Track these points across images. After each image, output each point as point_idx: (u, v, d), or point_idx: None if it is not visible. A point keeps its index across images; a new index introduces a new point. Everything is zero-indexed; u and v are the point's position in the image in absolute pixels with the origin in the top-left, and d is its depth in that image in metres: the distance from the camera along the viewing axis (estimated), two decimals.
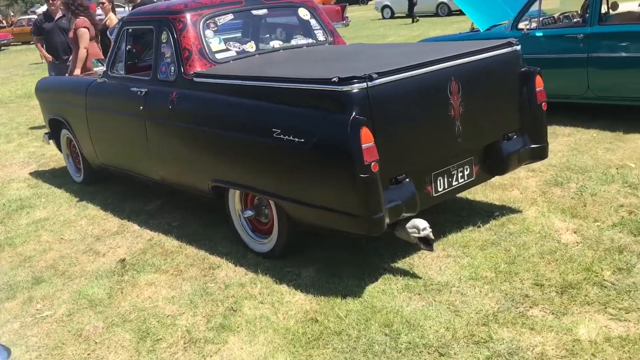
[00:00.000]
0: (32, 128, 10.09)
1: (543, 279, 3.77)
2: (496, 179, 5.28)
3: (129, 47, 5.61)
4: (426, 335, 3.33)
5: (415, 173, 3.92)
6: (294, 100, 3.84)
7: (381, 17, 30.11)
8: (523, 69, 4.52)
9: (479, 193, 5.26)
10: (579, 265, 3.89)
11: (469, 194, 5.19)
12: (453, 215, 4.84)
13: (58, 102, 6.54)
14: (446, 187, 4.18)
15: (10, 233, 5.52)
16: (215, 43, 4.91)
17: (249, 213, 4.46)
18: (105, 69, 5.71)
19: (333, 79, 3.57)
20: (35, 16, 26.47)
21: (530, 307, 3.52)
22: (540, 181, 5.44)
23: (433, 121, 3.97)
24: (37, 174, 7.38)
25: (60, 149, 6.98)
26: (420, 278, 3.93)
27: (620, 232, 4.31)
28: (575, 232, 4.38)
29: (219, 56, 4.85)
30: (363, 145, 3.48)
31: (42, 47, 9.60)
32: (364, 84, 3.56)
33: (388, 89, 3.68)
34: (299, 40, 5.48)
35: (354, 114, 3.52)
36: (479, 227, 4.60)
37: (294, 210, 4.05)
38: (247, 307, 3.81)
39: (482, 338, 3.26)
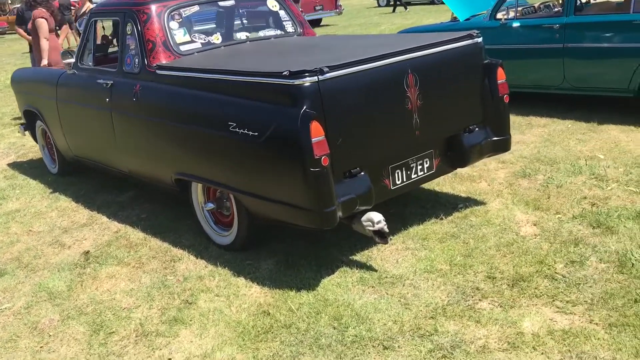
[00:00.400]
0: (15, 119, 10.09)
1: (496, 272, 3.79)
2: (465, 171, 5.30)
3: (98, 38, 5.60)
4: (373, 329, 3.35)
5: (371, 166, 3.93)
6: (248, 93, 3.84)
7: (377, 5, 29.94)
8: (485, 62, 4.51)
9: (447, 185, 5.27)
10: (533, 257, 3.91)
11: (435, 186, 5.21)
12: (417, 207, 4.86)
13: (31, 93, 6.54)
14: (405, 180, 4.18)
15: None
16: (180, 35, 4.90)
17: (210, 206, 4.47)
18: (74, 60, 5.70)
19: (284, 73, 3.57)
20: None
21: (479, 300, 3.54)
22: (509, 173, 5.45)
23: (389, 114, 3.96)
24: (14, 165, 7.40)
25: (36, 140, 6.99)
26: (375, 271, 3.95)
27: (580, 224, 4.32)
28: (535, 225, 4.39)
29: (183, 48, 4.84)
30: (313, 139, 3.49)
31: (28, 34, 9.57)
32: (315, 78, 3.55)
33: (340, 83, 3.68)
34: (267, 32, 5.47)
35: (304, 107, 3.52)
36: (441, 219, 4.61)
37: (251, 204, 4.06)
38: (203, 300, 3.83)
39: (427, 331, 3.28)
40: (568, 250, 3.96)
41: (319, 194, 3.59)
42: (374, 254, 4.18)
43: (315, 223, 3.68)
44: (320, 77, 3.56)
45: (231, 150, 3.96)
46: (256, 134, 3.71)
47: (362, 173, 3.86)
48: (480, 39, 4.48)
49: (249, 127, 3.76)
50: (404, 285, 3.76)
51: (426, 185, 5.06)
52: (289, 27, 5.53)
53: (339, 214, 3.70)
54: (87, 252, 4.71)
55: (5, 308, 4.02)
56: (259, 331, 3.45)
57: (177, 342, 3.45)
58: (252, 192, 3.97)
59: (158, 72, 4.62)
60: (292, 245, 4.40)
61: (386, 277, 3.87)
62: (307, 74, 3.54)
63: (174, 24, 4.87)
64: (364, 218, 3.88)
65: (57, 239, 5.03)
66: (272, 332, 3.43)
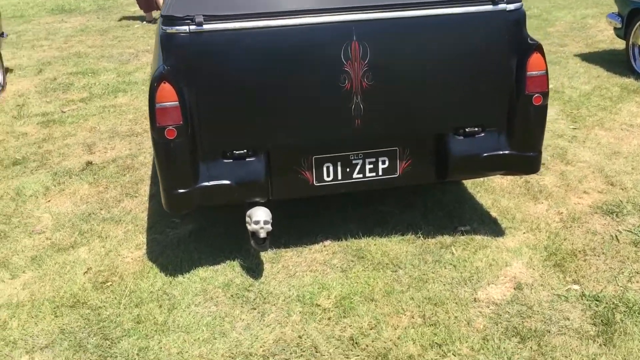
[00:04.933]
0: None
1: (374, 334, 2.74)
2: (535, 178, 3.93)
3: None
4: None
5: (275, 152, 3.09)
6: None
7: None
8: (513, 39, 3.07)
9: (474, 187, 3.99)
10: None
11: (452, 187, 3.97)
12: (398, 209, 3.78)
13: None
14: (340, 178, 3.21)
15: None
16: None
17: None
18: None
19: (165, 16, 2.89)
20: None
21: None
22: (591, 201, 3.84)
23: (312, 91, 2.99)
24: None
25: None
26: (251, 277, 3.21)
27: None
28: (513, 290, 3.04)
29: None
30: (157, 105, 2.82)
31: None
32: (185, 28, 2.81)
33: (228, 39, 2.86)
34: None
35: (164, 64, 2.84)
36: (417, 236, 3.51)
37: None
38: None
39: None
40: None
41: (162, 170, 2.96)
42: (278, 257, 3.37)
43: (164, 204, 3.07)
44: (192, 29, 2.81)
45: None
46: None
47: (254, 158, 3.05)
48: (513, 5, 3.03)
49: None
50: (264, 306, 2.98)
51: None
52: None
53: (197, 200, 3.02)
54: (90, 162, 4.77)
55: None
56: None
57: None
58: None
59: None
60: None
61: (251, 289, 3.11)
62: (177, 22, 2.82)
63: None
64: (248, 212, 3.12)
65: (93, 144, 5.19)
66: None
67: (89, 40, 9.20)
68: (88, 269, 3.37)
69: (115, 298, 3.11)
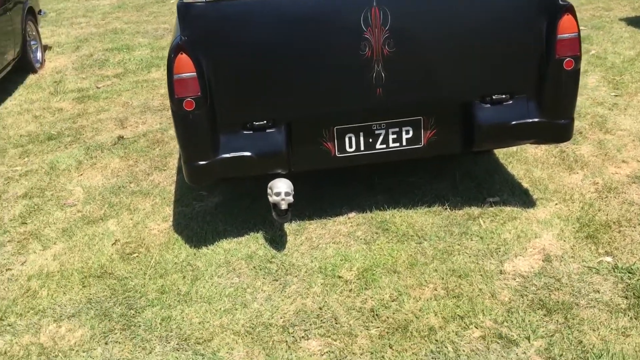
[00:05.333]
0: None
1: (384, 305, 2.71)
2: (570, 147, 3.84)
3: None
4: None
5: (297, 123, 3.05)
6: None
7: None
8: (545, 0, 2.93)
9: (506, 157, 3.90)
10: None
11: (490, 160, 3.86)
12: (425, 182, 3.70)
13: None
14: (363, 148, 3.15)
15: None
16: None
17: None
18: None
19: None
20: None
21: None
22: (629, 170, 3.69)
23: (332, 60, 2.93)
24: None
25: None
26: (274, 249, 3.20)
27: None
28: (543, 261, 2.95)
29: None
30: (175, 76, 2.81)
31: None
32: None
33: (244, 7, 2.82)
34: None
35: (181, 35, 2.82)
36: (444, 208, 3.44)
37: None
38: None
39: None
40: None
41: (182, 142, 2.96)
42: (302, 229, 3.36)
43: (185, 176, 3.07)
44: None
45: None
46: None
47: (274, 129, 3.01)
48: None
49: None
50: (285, 277, 2.98)
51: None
52: None
53: (217, 172, 3.01)
54: (121, 137, 4.84)
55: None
56: None
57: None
58: None
59: None
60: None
61: (273, 261, 3.11)
62: None
63: None
64: (270, 183, 3.10)
65: (125, 118, 5.26)
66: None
67: (126, 16, 9.29)
68: (116, 240, 3.43)
69: (141, 269, 3.16)
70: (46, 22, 8.94)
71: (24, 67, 6.62)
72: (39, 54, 7.02)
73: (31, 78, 6.60)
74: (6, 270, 3.26)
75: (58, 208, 3.85)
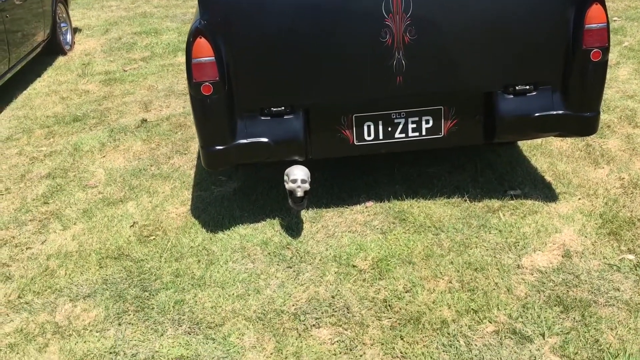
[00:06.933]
0: None
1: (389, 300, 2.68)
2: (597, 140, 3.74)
3: None
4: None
5: (314, 109, 3.03)
6: None
7: None
8: None
9: (530, 150, 3.82)
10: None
11: (513, 151, 3.78)
12: (443, 171, 3.65)
13: None
14: (382, 137, 3.12)
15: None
16: None
17: None
18: None
19: None
20: None
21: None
22: None
23: (352, 47, 2.88)
24: None
25: None
26: (289, 236, 3.19)
27: None
28: (566, 254, 2.88)
29: None
30: (193, 60, 2.80)
31: None
32: None
33: None
34: None
35: (200, 19, 2.81)
36: (464, 200, 3.38)
37: None
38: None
39: None
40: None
41: (199, 127, 2.96)
42: (319, 217, 3.33)
43: (202, 161, 3.07)
44: None
45: None
46: None
47: (292, 115, 2.99)
48: None
49: None
50: (300, 265, 2.97)
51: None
52: None
53: (234, 158, 3.00)
54: (145, 120, 4.86)
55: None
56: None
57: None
58: None
59: None
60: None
61: (288, 248, 3.10)
62: None
63: None
64: (286, 170, 3.09)
65: (149, 102, 5.29)
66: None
67: (155, 0, 9.32)
68: (134, 222, 3.45)
69: (157, 252, 3.17)
70: (77, 4, 9.03)
71: (53, 49, 6.71)
72: (68, 36, 7.10)
73: (60, 60, 6.68)
74: (27, 248, 3.31)
75: (80, 189, 3.89)
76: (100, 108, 5.22)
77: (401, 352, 2.42)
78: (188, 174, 3.94)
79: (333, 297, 2.75)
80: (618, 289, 2.67)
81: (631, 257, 2.86)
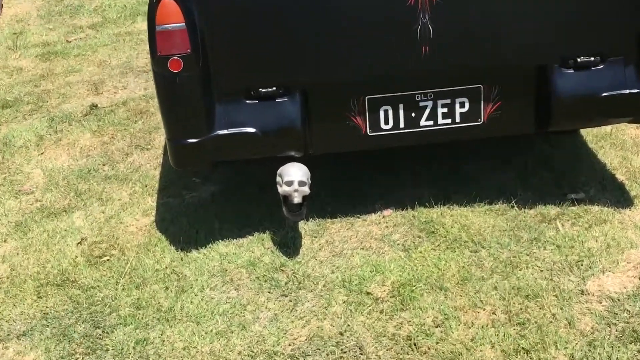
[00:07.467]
0: None
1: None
2: None
3: None
4: None
5: (314, 90, 3.06)
6: None
7: None
8: None
9: (597, 140, 3.88)
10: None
11: (573, 143, 3.83)
12: (486, 171, 3.70)
13: None
14: (403, 125, 3.14)
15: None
16: None
17: None
18: None
19: None
20: None
21: None
22: None
23: (362, 9, 2.92)
24: None
25: None
26: (286, 257, 3.22)
27: None
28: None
29: None
30: (157, 27, 2.83)
31: None
32: None
33: None
34: None
35: None
36: (510, 205, 3.42)
37: None
38: None
39: None
40: None
41: (166, 114, 3.00)
42: (322, 229, 3.36)
43: (170, 157, 3.10)
44: None
45: None
46: None
47: (287, 98, 3.02)
48: None
49: None
50: (298, 292, 2.99)
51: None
52: None
53: (212, 154, 3.03)
54: (95, 105, 4.90)
55: None
56: None
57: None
58: None
59: None
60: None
61: (283, 271, 3.13)
62: None
63: None
64: (280, 170, 3.11)
65: (101, 82, 5.33)
66: None
67: None
68: (82, 239, 3.49)
69: (113, 277, 3.21)
70: None
71: None
72: None
73: None
74: None
75: (11, 196, 3.94)
76: (37, 90, 5.29)
77: None
78: (152, 175, 3.99)
79: (341, 333, 2.78)
80: None
81: None
